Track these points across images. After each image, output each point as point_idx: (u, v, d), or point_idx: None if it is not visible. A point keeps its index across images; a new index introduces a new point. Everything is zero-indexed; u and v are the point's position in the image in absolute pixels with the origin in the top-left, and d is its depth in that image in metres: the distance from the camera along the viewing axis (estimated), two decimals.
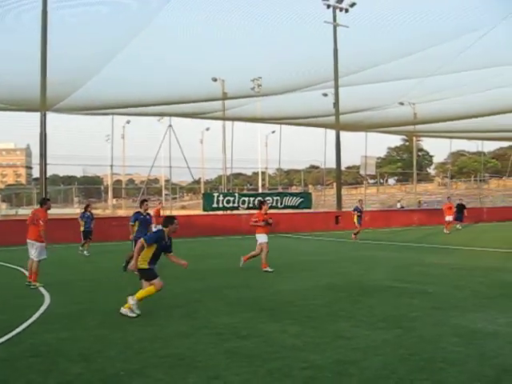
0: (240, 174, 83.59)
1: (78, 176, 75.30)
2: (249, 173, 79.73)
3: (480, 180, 58.81)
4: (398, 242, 23.69)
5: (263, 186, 55.20)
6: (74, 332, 7.73)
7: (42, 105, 25.78)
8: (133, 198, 58.44)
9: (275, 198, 33.26)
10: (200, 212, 31.67)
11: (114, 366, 6.09)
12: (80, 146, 38.78)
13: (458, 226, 32.02)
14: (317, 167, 57.67)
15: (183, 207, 66.75)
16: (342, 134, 36.09)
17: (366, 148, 42.31)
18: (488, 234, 28.98)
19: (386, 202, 61.38)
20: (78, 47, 23.86)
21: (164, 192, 55.93)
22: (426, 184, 75.30)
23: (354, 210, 25.75)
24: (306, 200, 34.38)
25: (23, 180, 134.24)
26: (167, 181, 50.02)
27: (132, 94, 27.26)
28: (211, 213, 31.32)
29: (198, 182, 51.19)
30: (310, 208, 34.79)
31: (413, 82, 30.40)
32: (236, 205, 31.76)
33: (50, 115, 27.05)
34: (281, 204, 33.22)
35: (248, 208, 32.00)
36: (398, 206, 46.77)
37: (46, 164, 26.69)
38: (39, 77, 24.79)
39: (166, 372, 5.87)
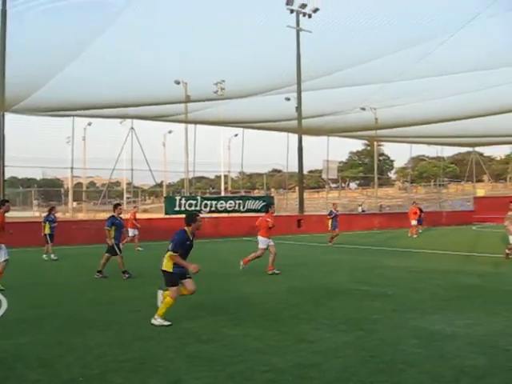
0: (203, 178, 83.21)
1: (38, 178, 73.69)
2: (211, 176, 79.50)
3: (439, 184, 59.90)
4: (359, 245, 23.97)
5: (226, 189, 55.04)
6: (32, 337, 7.56)
7: (1, 105, 25.30)
8: (94, 201, 57.65)
9: (237, 202, 33.26)
10: (162, 215, 31.44)
11: (73, 372, 5.97)
12: (40, 147, 37.98)
13: (418, 230, 32.51)
14: (279, 171, 57.83)
15: (145, 211, 66.08)
16: (305, 138, 36.39)
17: (327, 152, 42.77)
18: (446, 237, 29.54)
19: (348, 206, 61.83)
20: (38, 47, 23.47)
21: (126, 195, 55.40)
22: (387, 188, 76.25)
23: (329, 214, 25.73)
24: (269, 203, 34.40)
25: None
26: (129, 184, 49.58)
27: (94, 96, 26.93)
28: (173, 216, 31.11)
29: (160, 185, 50.82)
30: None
31: (374, 87, 30.77)
32: (198, 208, 31.62)
33: (8, 116, 26.60)
34: (243, 208, 33.22)
35: (210, 211, 31.95)
36: (360, 209, 47.21)
37: (4, 166, 26.26)
38: None
39: (125, 377, 5.79)
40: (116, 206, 14.82)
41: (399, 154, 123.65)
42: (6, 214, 12.31)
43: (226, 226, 31.38)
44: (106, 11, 22.98)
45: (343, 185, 69.64)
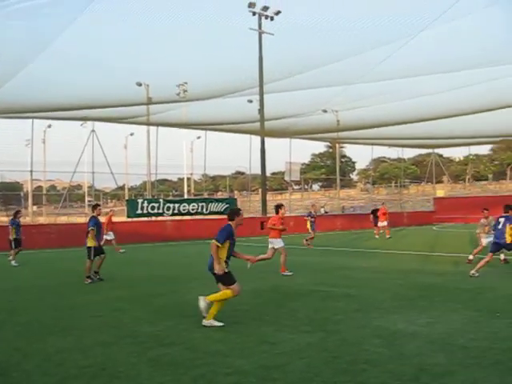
0: (165, 180, 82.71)
1: None
2: (174, 179, 78.98)
3: (400, 186, 60.85)
4: (322, 246, 24.09)
5: (189, 191, 54.90)
6: None
7: None
8: (54, 204, 56.76)
9: (201, 204, 33.17)
10: (124, 219, 31.10)
11: (32, 380, 5.84)
12: None
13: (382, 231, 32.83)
14: (242, 173, 58.02)
15: (107, 214, 65.35)
16: (267, 140, 36.45)
17: (290, 154, 43.07)
18: (407, 238, 29.96)
19: (310, 208, 62.25)
20: None
21: (87, 198, 54.62)
22: (349, 190, 77.14)
23: (308, 215, 25.79)
24: (232, 206, 34.37)
25: None
26: (90, 187, 48.90)
27: (54, 97, 26.45)
28: (136, 219, 30.84)
29: (122, 188, 50.38)
30: None
31: (336, 89, 30.97)
32: (161, 211, 31.44)
33: None
34: (206, 210, 33.14)
35: (173, 214, 31.76)
36: (322, 211, 47.52)
37: None
38: None
39: (87, 383, 5.69)
40: (95, 206, 14.67)
41: (361, 155, 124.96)
42: None
43: (190, 229, 31.21)
44: (65, 9, 22.56)
45: (306, 186, 70.08)
